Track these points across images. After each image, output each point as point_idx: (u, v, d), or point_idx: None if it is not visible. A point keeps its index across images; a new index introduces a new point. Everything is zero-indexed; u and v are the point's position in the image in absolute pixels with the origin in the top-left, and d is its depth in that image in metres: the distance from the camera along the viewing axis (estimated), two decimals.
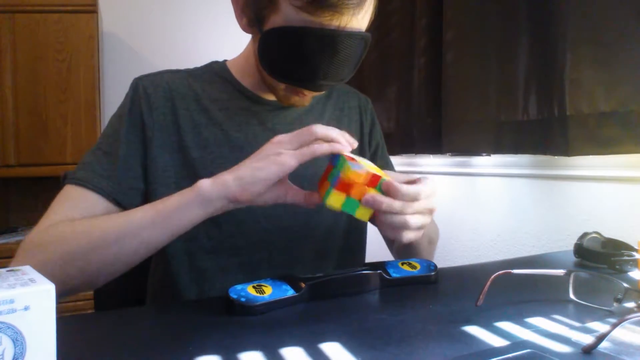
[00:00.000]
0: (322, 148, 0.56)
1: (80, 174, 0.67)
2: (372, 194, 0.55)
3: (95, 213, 0.65)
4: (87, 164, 0.69)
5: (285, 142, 0.57)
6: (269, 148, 0.58)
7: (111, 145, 0.70)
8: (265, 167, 0.56)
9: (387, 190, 0.55)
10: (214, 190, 0.58)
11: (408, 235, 0.56)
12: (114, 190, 0.67)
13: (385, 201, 0.54)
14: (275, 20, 0.62)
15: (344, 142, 0.57)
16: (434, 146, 1.47)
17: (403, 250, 0.83)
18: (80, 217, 0.64)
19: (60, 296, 0.58)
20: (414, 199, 0.55)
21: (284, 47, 0.63)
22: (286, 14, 0.60)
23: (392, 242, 0.91)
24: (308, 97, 0.72)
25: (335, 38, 0.61)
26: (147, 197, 0.71)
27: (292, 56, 0.63)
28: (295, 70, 0.65)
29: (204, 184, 0.58)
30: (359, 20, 0.62)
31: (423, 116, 1.51)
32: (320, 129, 0.57)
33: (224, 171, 0.59)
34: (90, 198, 0.66)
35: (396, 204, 0.54)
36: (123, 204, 0.68)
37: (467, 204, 1.47)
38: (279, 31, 0.62)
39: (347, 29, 0.61)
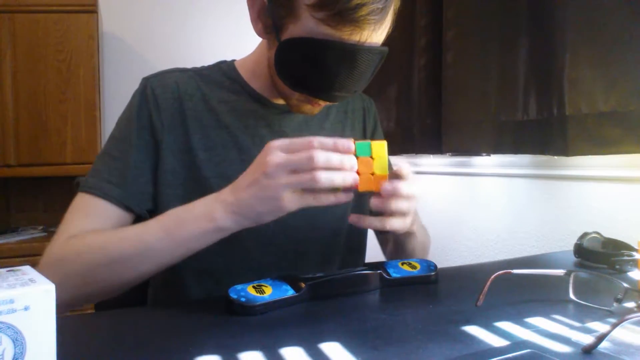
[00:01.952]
0: (328, 200, 0.56)
1: (91, 182, 0.69)
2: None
3: (108, 221, 0.67)
4: (97, 170, 0.70)
5: (283, 165, 0.54)
6: (267, 185, 0.54)
7: (121, 150, 0.71)
8: (267, 212, 0.56)
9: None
10: (231, 224, 0.58)
11: (394, 224, 0.61)
12: (124, 197, 0.68)
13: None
14: (294, 31, 0.61)
15: (347, 168, 0.55)
16: (434, 146, 1.47)
17: (394, 251, 0.85)
18: (94, 226, 0.66)
19: (76, 305, 0.62)
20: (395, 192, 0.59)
21: (302, 58, 0.63)
22: (306, 26, 0.59)
23: (385, 244, 0.91)
24: (319, 107, 0.72)
25: (355, 53, 0.60)
26: (155, 199, 0.72)
27: (309, 68, 0.63)
28: (312, 82, 0.64)
29: (220, 217, 0.58)
30: (378, 35, 0.62)
31: (423, 116, 1.51)
32: (321, 158, 0.53)
33: (230, 197, 0.58)
34: (102, 206, 0.68)
35: (404, 188, 0.59)
36: (134, 210, 0.69)
37: (467, 204, 1.47)
38: (298, 42, 0.61)
39: (367, 44, 0.61)
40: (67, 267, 0.62)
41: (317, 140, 0.54)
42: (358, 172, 0.57)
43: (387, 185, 0.58)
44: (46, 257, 0.64)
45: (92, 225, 0.66)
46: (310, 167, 0.53)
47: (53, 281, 0.61)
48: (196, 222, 0.59)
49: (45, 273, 0.61)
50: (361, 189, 0.58)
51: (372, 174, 0.58)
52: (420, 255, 0.82)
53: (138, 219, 0.71)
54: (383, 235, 0.94)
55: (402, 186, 0.59)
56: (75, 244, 0.63)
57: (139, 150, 0.71)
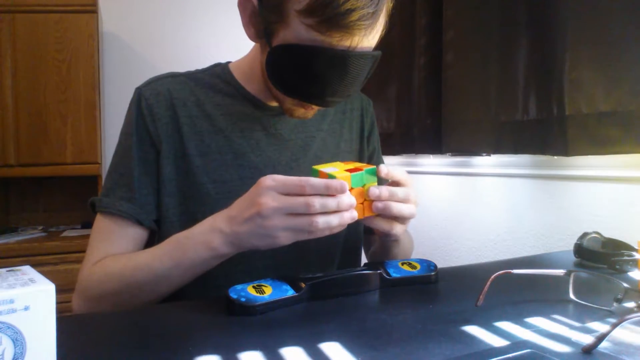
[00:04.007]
0: (323, 234, 0.56)
1: (105, 201, 0.72)
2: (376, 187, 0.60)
3: (126, 239, 0.72)
4: (108, 189, 0.73)
5: (278, 209, 0.54)
6: (262, 225, 0.55)
7: (125, 166, 0.72)
8: (263, 245, 0.58)
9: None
10: (229, 251, 0.61)
11: (398, 229, 0.64)
12: (135, 212, 0.71)
13: (395, 208, 0.60)
14: (285, 36, 0.60)
15: (345, 209, 0.56)
16: (434, 146, 1.47)
17: (379, 254, 0.85)
18: (114, 248, 0.71)
19: None
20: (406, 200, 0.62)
21: (293, 65, 0.62)
22: (296, 31, 0.59)
23: (369, 245, 0.92)
24: (313, 111, 0.72)
25: (346, 59, 0.59)
26: (159, 209, 0.73)
27: (301, 74, 0.62)
28: (304, 87, 0.64)
29: (219, 246, 0.60)
30: (370, 39, 0.61)
31: (423, 116, 1.51)
32: (317, 205, 0.53)
33: (227, 228, 0.59)
34: (119, 225, 0.71)
35: (400, 192, 0.61)
36: (144, 223, 0.72)
37: (467, 204, 1.47)
38: (289, 48, 0.60)
39: (358, 49, 0.60)
40: (93, 294, 0.67)
41: (309, 184, 0.54)
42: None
43: (385, 190, 0.60)
44: (77, 285, 0.69)
45: (112, 247, 0.70)
46: (307, 212, 0.54)
47: (86, 306, 0.67)
48: (197, 251, 0.61)
49: (78, 299, 0.68)
50: (358, 217, 0.59)
51: (363, 201, 0.60)
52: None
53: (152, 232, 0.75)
54: (369, 237, 0.93)
55: (402, 191, 0.61)
56: (97, 272, 0.68)
57: (141, 163, 0.72)
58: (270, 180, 0.56)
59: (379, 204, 0.60)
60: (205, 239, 0.61)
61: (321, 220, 0.54)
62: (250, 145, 0.75)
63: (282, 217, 0.55)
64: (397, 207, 0.61)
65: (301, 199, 0.54)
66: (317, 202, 0.54)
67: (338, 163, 0.64)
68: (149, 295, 0.66)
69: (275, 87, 0.66)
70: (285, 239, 0.56)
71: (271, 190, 0.55)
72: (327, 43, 0.58)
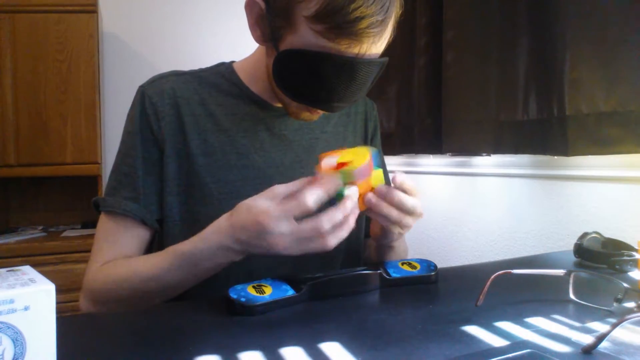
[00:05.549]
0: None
1: (109, 201, 0.71)
2: (374, 196, 0.61)
3: (131, 239, 0.72)
4: (112, 188, 0.73)
5: (293, 240, 0.55)
6: (278, 253, 0.56)
7: (129, 165, 0.72)
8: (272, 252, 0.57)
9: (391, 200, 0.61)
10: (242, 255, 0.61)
11: (397, 231, 0.66)
12: (140, 212, 0.71)
13: (385, 209, 0.61)
14: (293, 41, 0.60)
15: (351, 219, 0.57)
16: (434, 146, 1.47)
17: (374, 258, 0.85)
18: (120, 249, 0.71)
19: None
20: (411, 212, 0.62)
21: (300, 70, 0.62)
22: (304, 37, 0.58)
23: (364, 249, 0.91)
24: (318, 114, 0.72)
25: (354, 66, 0.59)
26: (162, 208, 0.72)
27: (308, 79, 0.62)
28: (310, 93, 0.64)
29: (235, 257, 0.60)
30: (378, 47, 0.60)
31: (423, 116, 1.51)
32: (328, 225, 0.54)
33: (237, 246, 0.58)
34: (124, 225, 0.71)
35: (394, 214, 0.62)
36: (149, 223, 0.72)
37: (467, 204, 1.47)
38: (296, 53, 0.60)
39: (366, 56, 0.59)
40: (102, 298, 0.68)
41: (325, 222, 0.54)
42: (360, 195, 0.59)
43: (398, 197, 0.61)
44: (84, 288, 0.70)
45: (118, 247, 0.71)
46: (318, 236, 0.54)
47: (95, 308, 0.68)
48: (213, 262, 0.61)
49: (85, 301, 0.68)
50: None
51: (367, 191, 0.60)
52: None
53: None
54: (364, 240, 0.92)
55: (412, 202, 0.62)
56: (105, 278, 0.68)
57: (145, 163, 0.72)
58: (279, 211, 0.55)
59: (373, 200, 0.60)
60: (218, 253, 0.60)
61: (333, 240, 0.55)
62: (254, 145, 0.74)
63: (295, 243, 0.55)
64: (400, 217, 0.62)
65: (311, 225, 0.54)
66: (326, 224, 0.54)
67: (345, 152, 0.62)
68: (159, 300, 0.67)
69: (280, 91, 0.66)
70: (298, 254, 0.57)
71: (280, 220, 0.54)
72: (335, 50, 0.58)
